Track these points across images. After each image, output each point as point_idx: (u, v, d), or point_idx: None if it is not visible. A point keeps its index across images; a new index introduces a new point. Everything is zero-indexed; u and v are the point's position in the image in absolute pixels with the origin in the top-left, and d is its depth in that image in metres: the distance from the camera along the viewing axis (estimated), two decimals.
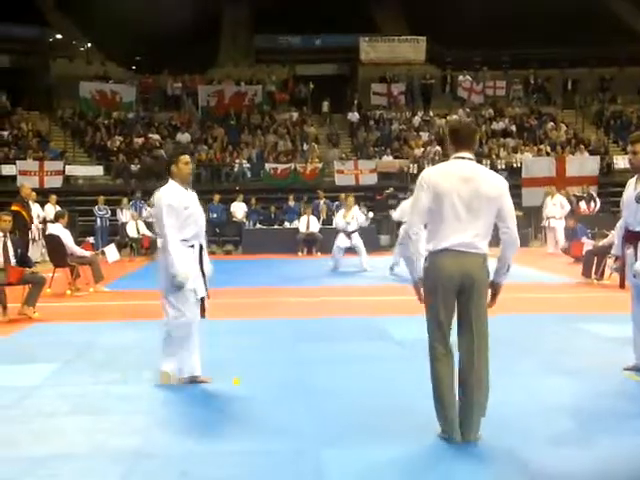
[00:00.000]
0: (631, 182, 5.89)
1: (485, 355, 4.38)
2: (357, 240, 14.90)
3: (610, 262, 12.07)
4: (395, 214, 14.46)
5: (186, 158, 5.96)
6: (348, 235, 14.92)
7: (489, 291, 4.46)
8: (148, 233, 19.65)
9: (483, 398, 4.35)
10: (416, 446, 4.37)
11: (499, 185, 4.44)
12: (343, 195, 20.19)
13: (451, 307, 4.38)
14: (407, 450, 4.31)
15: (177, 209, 5.74)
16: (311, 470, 4.03)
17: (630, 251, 5.78)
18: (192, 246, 5.85)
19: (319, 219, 20.16)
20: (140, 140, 25.67)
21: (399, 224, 13.78)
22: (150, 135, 25.96)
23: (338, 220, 15.47)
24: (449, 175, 4.38)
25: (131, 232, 19.62)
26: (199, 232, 5.90)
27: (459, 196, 4.31)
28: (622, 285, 6.07)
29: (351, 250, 14.99)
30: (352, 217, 15.05)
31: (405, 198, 14.89)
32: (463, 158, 4.47)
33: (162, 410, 5.33)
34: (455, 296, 4.36)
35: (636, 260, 5.68)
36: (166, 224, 5.71)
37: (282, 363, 6.65)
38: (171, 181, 5.91)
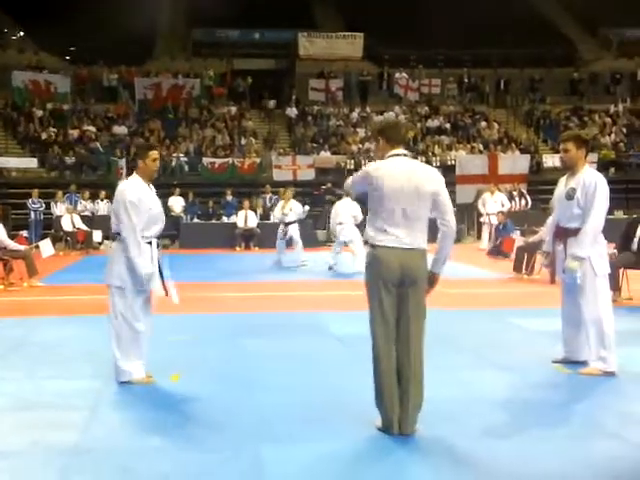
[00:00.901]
0: (562, 180, 6.09)
1: (421, 350, 4.48)
2: (294, 232, 15.10)
3: (540, 258, 12.54)
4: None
5: (155, 154, 5.85)
6: (285, 226, 15.12)
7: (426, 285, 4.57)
8: (83, 227, 19.43)
9: (419, 392, 4.45)
10: (355, 441, 4.44)
11: (436, 178, 4.57)
12: (282, 190, 20.37)
13: (392, 301, 4.45)
14: (347, 445, 4.38)
15: (139, 207, 5.62)
16: (251, 466, 4.05)
17: (560, 247, 5.96)
18: (149, 242, 5.75)
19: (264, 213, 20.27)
20: (75, 132, 25.27)
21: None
22: (86, 127, 25.56)
23: (276, 212, 15.79)
24: (393, 174, 4.48)
25: (66, 226, 19.35)
26: (159, 230, 5.85)
27: (402, 194, 4.43)
28: (553, 280, 6.30)
29: (289, 243, 15.20)
30: (289, 209, 15.26)
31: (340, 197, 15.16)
32: (398, 155, 4.59)
33: (99, 406, 5.28)
34: (396, 289, 4.44)
35: (566, 256, 5.86)
36: (126, 222, 5.58)
37: (221, 359, 6.65)
38: (135, 176, 5.82)
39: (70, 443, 4.43)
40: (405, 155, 4.63)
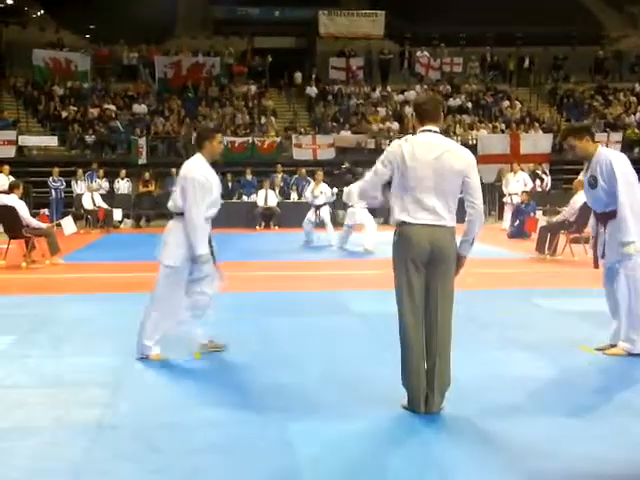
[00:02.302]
0: (584, 171, 6.07)
1: (449, 329, 4.45)
2: (325, 214, 15.17)
3: (563, 237, 12.41)
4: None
5: (220, 137, 5.96)
6: (316, 209, 15.12)
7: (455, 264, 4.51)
8: (104, 205, 19.47)
9: (446, 371, 4.43)
10: (380, 418, 4.44)
11: (467, 158, 4.49)
12: (304, 170, 20.29)
13: (421, 277, 4.41)
14: (371, 422, 4.38)
15: (206, 188, 5.64)
16: (279, 443, 4.06)
17: (602, 230, 5.87)
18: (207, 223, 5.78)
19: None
20: (95, 111, 25.26)
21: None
22: (106, 106, 25.56)
23: (307, 194, 15.88)
24: (417, 148, 4.41)
25: (87, 204, 19.39)
26: (215, 213, 5.85)
27: (427, 170, 4.36)
28: (596, 265, 6.09)
29: (321, 225, 15.19)
30: (320, 191, 15.28)
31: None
32: (430, 131, 4.51)
33: (123, 383, 5.28)
34: (424, 267, 4.40)
35: (606, 240, 5.77)
36: (191, 200, 5.57)
37: (244, 336, 6.64)
38: (199, 156, 5.80)
39: (94, 420, 4.45)
40: (436, 132, 4.52)
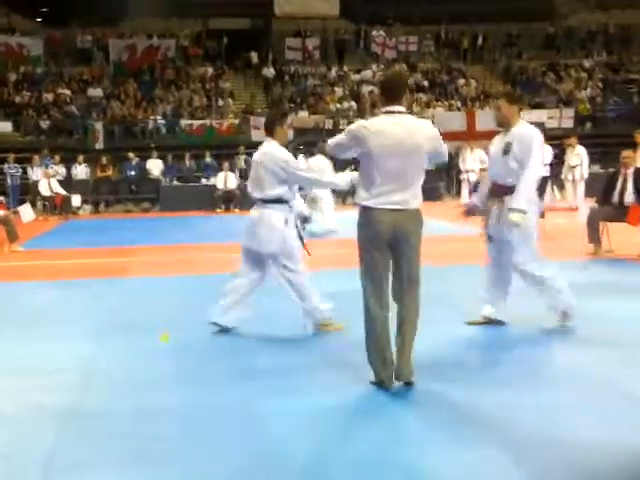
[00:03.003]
0: (497, 138, 6.03)
1: (417, 299, 4.55)
2: None
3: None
4: None
5: (288, 121, 6.09)
6: None
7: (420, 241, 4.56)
8: (61, 191, 19.32)
9: (412, 339, 4.54)
10: (350, 394, 4.53)
11: (432, 136, 4.52)
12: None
13: (385, 261, 4.48)
14: (342, 398, 4.46)
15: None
16: (253, 420, 4.13)
17: (495, 205, 5.89)
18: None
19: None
20: (50, 95, 24.93)
21: None
22: (60, 90, 25.24)
23: None
24: (382, 133, 4.38)
25: (44, 190, 19.23)
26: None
27: (394, 153, 4.35)
28: (490, 239, 6.06)
29: None
30: None
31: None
32: (393, 112, 4.45)
33: (92, 369, 5.27)
34: (389, 249, 4.46)
35: (501, 214, 5.81)
36: (298, 174, 5.86)
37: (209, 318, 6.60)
38: (271, 140, 5.95)
39: (65, 406, 4.43)
40: (400, 113, 4.47)
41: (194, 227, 15.61)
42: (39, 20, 29.61)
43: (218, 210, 19.31)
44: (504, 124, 5.94)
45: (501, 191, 5.84)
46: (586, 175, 16.66)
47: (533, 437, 3.80)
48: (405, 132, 4.39)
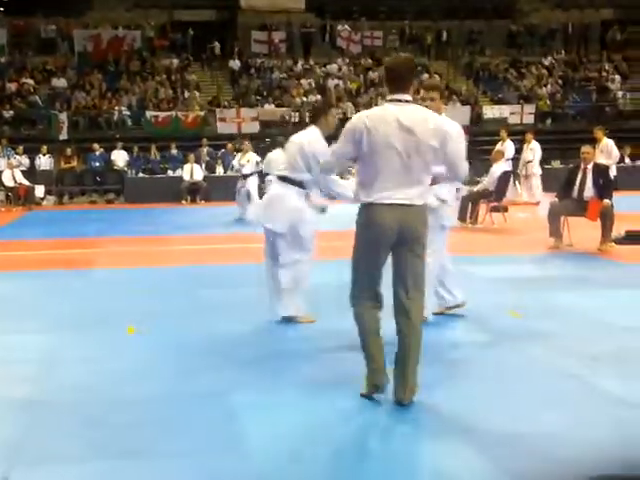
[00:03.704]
0: None
1: (421, 313, 4.20)
2: (251, 184, 14.70)
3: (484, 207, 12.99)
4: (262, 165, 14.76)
5: (335, 111, 6.09)
6: (244, 178, 15.00)
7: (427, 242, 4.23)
8: (25, 182, 19.18)
9: (418, 357, 4.13)
10: (328, 391, 4.42)
11: (440, 128, 4.09)
12: (230, 145, 20.31)
13: (383, 260, 4.12)
14: (309, 391, 4.41)
15: None
16: (223, 414, 4.09)
17: None
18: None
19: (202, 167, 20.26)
20: (13, 85, 24.63)
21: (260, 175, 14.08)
22: (24, 80, 24.96)
23: (234, 162, 15.96)
24: (384, 122, 4.00)
25: (7, 181, 19.08)
26: None
27: (397, 146, 3.96)
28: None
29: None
30: (247, 160, 15.22)
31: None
32: (399, 101, 4.05)
33: (56, 359, 5.19)
34: (390, 249, 4.08)
35: None
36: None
37: (178, 310, 6.61)
38: (314, 128, 5.95)
39: (26, 397, 4.36)
40: (407, 102, 4.07)
41: (159, 219, 15.61)
42: (2, 9, 29.17)
43: (184, 202, 19.32)
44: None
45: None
46: (538, 171, 16.96)
47: (496, 430, 3.87)
48: (411, 123, 3.99)
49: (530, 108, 25.40)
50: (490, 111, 25.04)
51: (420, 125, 4.00)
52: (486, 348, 5.46)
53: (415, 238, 4.06)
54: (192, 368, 4.95)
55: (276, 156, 13.81)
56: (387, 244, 4.06)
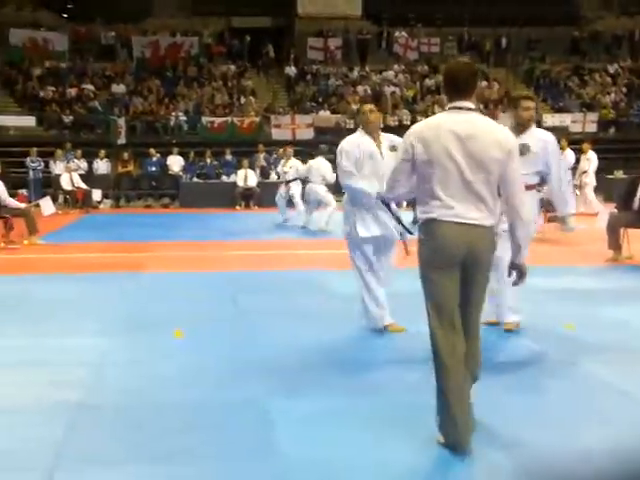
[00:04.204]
0: None
1: (479, 339, 3.82)
2: (294, 190, 15.02)
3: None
4: (300, 171, 14.78)
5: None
6: (286, 184, 15.13)
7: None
8: (82, 185, 19.45)
9: (476, 373, 3.79)
10: (359, 398, 4.45)
11: (506, 142, 3.68)
12: (281, 150, 20.28)
13: (454, 287, 3.65)
14: (350, 401, 4.41)
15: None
16: (259, 419, 4.13)
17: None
18: None
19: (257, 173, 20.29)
20: (73, 91, 25.10)
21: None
22: (84, 86, 25.42)
23: (278, 169, 16.04)
24: (443, 131, 3.63)
25: (65, 184, 19.37)
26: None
27: (457, 157, 3.59)
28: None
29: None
30: (290, 166, 15.29)
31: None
32: (460, 109, 3.69)
33: (105, 363, 5.28)
34: (458, 272, 3.66)
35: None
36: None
37: (223, 315, 6.68)
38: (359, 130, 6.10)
39: (76, 400, 4.42)
40: (469, 110, 3.69)
41: (212, 224, 15.64)
42: (65, 16, 29.80)
43: (237, 207, 19.35)
44: (527, 124, 5.96)
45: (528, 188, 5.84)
46: (592, 181, 16.43)
47: (539, 444, 3.77)
48: (472, 133, 3.62)
49: (593, 116, 24.79)
50: (550, 119, 24.46)
51: (483, 136, 3.63)
52: (538, 359, 5.39)
53: (481, 262, 3.67)
54: (236, 373, 4.98)
55: (317, 164, 13.89)
56: (453, 263, 3.63)
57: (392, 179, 3.90)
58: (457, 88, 3.72)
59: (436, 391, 3.68)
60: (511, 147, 3.68)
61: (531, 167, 5.79)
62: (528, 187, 5.73)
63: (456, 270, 3.64)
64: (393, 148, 5.82)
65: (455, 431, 3.60)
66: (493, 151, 3.61)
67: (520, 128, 5.89)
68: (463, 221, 3.61)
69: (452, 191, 3.61)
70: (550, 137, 6.01)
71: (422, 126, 3.77)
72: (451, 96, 3.74)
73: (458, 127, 3.62)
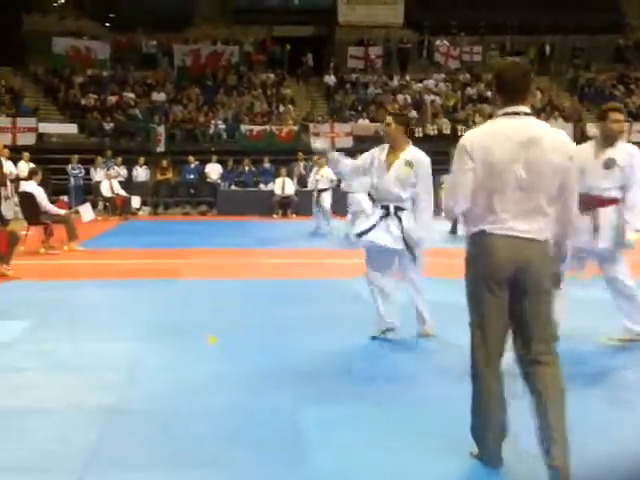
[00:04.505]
0: (586, 147, 5.88)
1: (558, 368, 3.41)
2: (325, 199, 15.13)
3: None
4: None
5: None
6: (318, 193, 15.14)
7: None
8: (122, 192, 19.57)
9: (563, 422, 3.33)
10: (393, 407, 4.40)
11: (567, 147, 3.42)
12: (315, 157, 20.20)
13: (502, 309, 3.40)
14: (384, 410, 4.35)
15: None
16: (289, 426, 4.11)
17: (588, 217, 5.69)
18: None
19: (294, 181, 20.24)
20: (114, 98, 25.37)
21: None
22: (125, 94, 25.67)
23: (311, 178, 16.02)
24: (502, 138, 3.36)
25: (105, 191, 19.51)
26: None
27: (518, 167, 3.32)
28: None
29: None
30: (321, 175, 15.28)
31: None
32: (516, 114, 3.39)
33: (139, 368, 5.30)
34: (507, 293, 3.39)
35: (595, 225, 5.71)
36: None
37: (257, 322, 6.67)
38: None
39: (109, 404, 4.45)
40: (527, 114, 3.41)
41: (250, 232, 15.61)
42: (107, 25, 30.16)
43: (275, 215, 19.31)
44: (616, 137, 5.81)
45: (599, 203, 5.74)
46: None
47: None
48: (533, 140, 3.35)
49: (638, 126, 24.26)
50: (594, 128, 23.97)
51: (544, 142, 3.34)
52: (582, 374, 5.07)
53: (536, 279, 3.36)
54: (267, 380, 4.96)
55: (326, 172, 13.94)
56: (502, 280, 3.36)
57: (455, 193, 3.49)
58: (511, 91, 3.41)
59: (471, 403, 3.54)
60: (572, 153, 3.43)
61: (615, 181, 5.71)
62: (611, 201, 5.73)
63: (505, 287, 3.38)
64: (408, 163, 5.81)
65: (488, 444, 3.50)
66: (555, 157, 3.34)
67: (609, 141, 5.76)
68: (516, 234, 3.35)
69: (508, 202, 3.35)
70: (636, 150, 5.85)
71: (478, 133, 3.48)
72: (504, 100, 3.43)
73: (519, 134, 3.35)
